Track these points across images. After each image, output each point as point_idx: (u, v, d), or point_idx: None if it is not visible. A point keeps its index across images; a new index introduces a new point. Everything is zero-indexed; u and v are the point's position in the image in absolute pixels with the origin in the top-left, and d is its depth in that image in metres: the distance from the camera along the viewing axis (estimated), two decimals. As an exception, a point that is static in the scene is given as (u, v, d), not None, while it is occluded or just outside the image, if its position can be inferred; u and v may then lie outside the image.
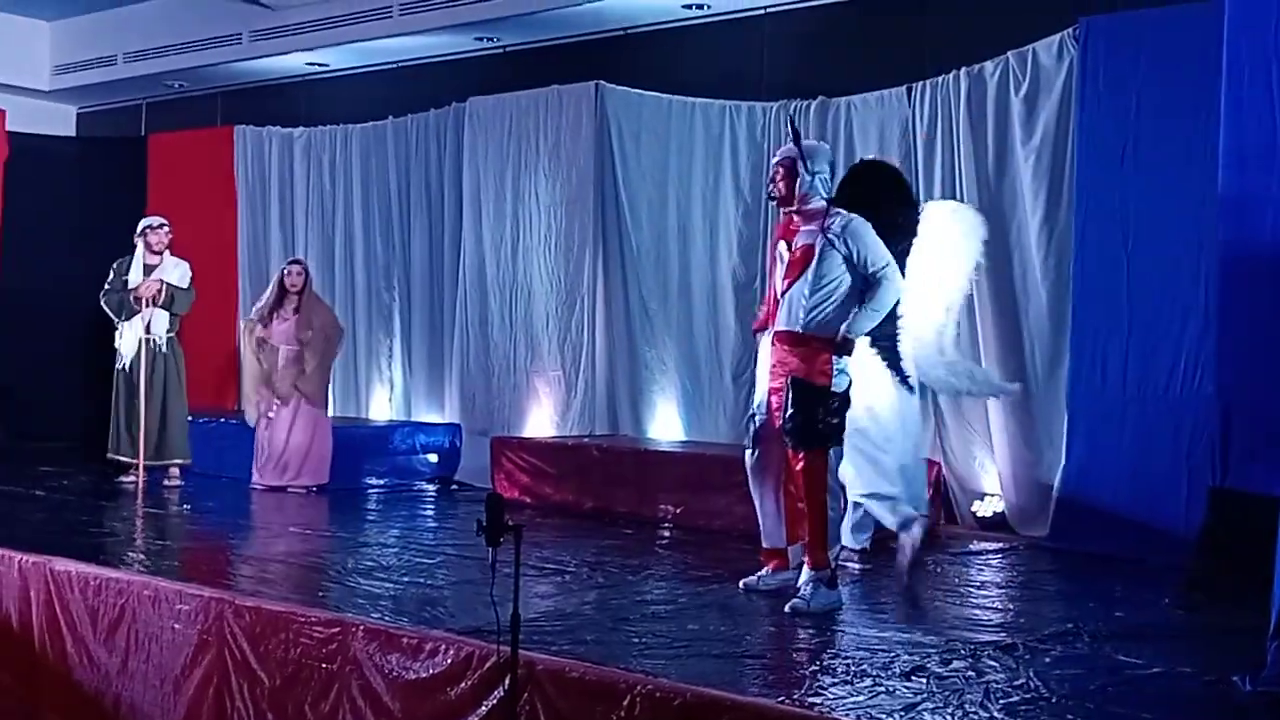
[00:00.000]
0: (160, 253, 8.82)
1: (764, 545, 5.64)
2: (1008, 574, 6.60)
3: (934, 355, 6.13)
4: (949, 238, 6.22)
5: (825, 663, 4.51)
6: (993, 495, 7.57)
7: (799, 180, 5.41)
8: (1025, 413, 7.39)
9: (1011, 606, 5.81)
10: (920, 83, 7.76)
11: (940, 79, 7.69)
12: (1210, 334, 6.23)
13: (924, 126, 7.76)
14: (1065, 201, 7.27)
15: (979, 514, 7.60)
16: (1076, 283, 7.10)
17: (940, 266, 6.13)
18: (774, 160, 5.61)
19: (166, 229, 8.87)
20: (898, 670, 4.32)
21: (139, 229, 8.89)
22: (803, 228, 5.43)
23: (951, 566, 6.59)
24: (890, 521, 5.82)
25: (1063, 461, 7.12)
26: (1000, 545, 7.14)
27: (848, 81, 8.11)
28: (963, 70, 7.60)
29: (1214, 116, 6.17)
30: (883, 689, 4.11)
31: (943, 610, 5.47)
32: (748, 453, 5.59)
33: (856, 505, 6.23)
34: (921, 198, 7.74)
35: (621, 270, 9.13)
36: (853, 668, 4.38)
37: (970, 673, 4.33)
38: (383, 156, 10.43)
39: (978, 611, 5.50)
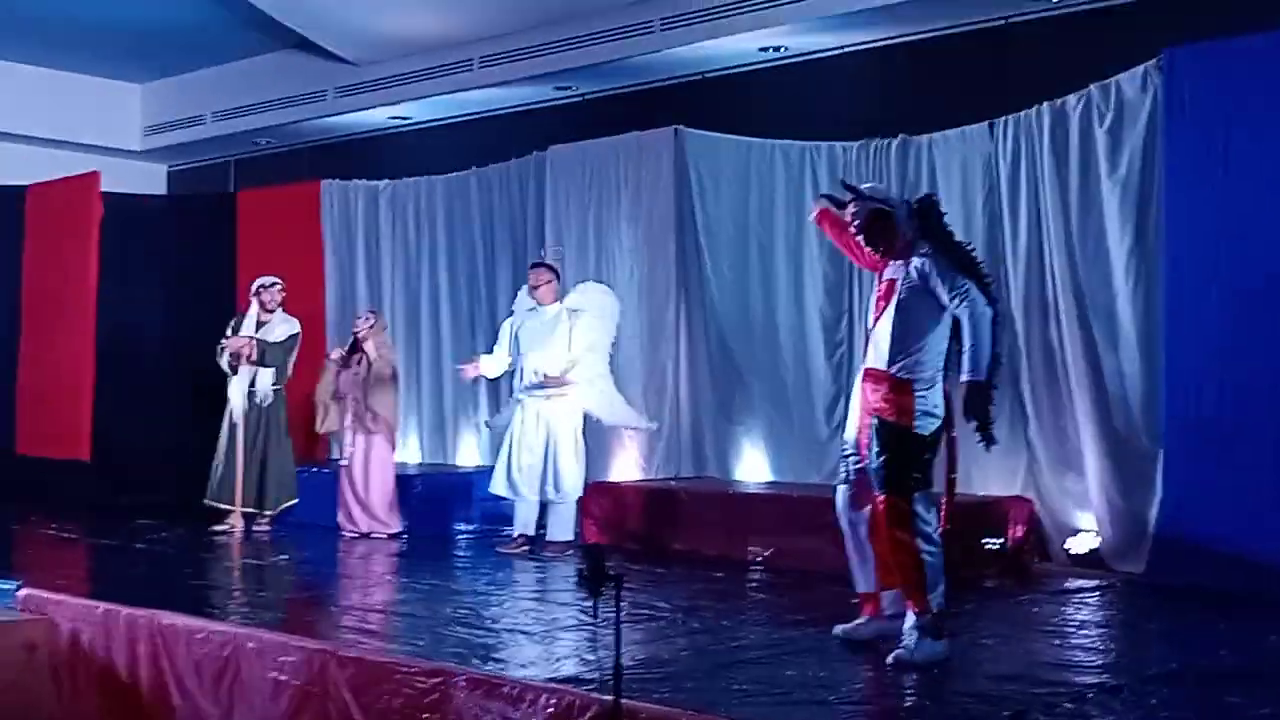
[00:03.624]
0: (273, 310, 9.17)
1: (857, 590, 5.50)
2: (1106, 612, 6.50)
3: (614, 400, 8.39)
4: (603, 310, 8.40)
5: (928, 709, 4.47)
6: (1088, 531, 7.47)
7: (896, 222, 5.29)
8: (1120, 446, 7.32)
9: (1113, 647, 5.70)
10: (1002, 118, 7.74)
11: (1022, 114, 7.66)
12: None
13: (1007, 162, 7.73)
14: (1152, 233, 7.21)
15: (1073, 550, 7.51)
16: (1168, 313, 7.03)
17: (600, 333, 8.33)
18: (854, 227, 5.39)
19: (279, 287, 9.27)
20: (1003, 716, 4.26)
21: (253, 288, 9.27)
22: (891, 262, 5.35)
23: (1048, 605, 6.52)
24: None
25: (1159, 495, 7.02)
26: (1097, 582, 7.04)
27: (929, 119, 8.10)
28: (1045, 104, 7.57)
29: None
30: (988, 735, 4.06)
31: (1043, 652, 5.41)
32: (841, 488, 5.45)
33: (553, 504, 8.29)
34: (1007, 233, 7.75)
35: (704, 313, 9.18)
36: (957, 714, 4.34)
37: (1076, 718, 4.27)
38: (466, 206, 10.59)
39: (1078, 653, 5.43)
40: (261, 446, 9.11)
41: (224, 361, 9.14)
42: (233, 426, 9.12)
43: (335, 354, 9.22)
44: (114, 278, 10.87)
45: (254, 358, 9.05)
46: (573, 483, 8.26)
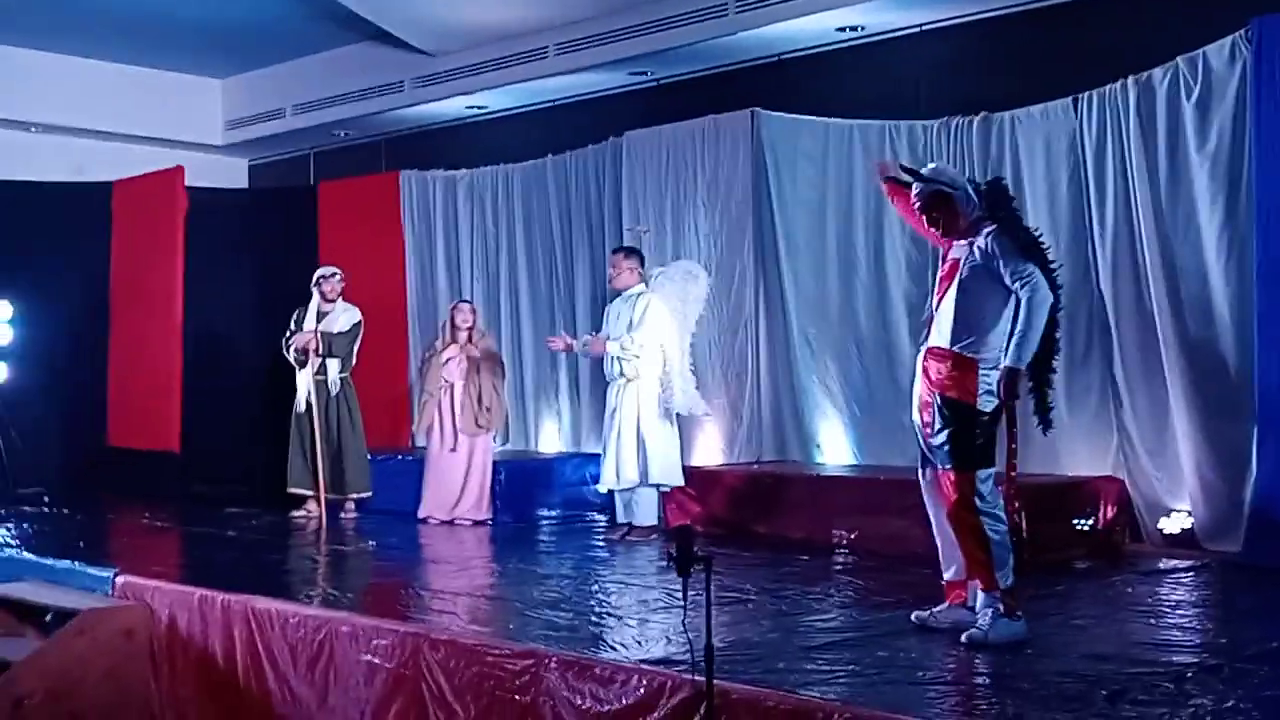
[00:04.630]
0: (334, 300, 9.31)
1: (944, 576, 5.44)
2: (1202, 592, 6.41)
3: (690, 388, 8.26)
4: (672, 294, 8.25)
5: (1024, 689, 4.42)
6: (1181, 511, 7.35)
7: (957, 203, 5.26)
8: (1213, 424, 7.18)
9: (1210, 626, 5.63)
10: (1086, 93, 7.61)
11: (1107, 89, 7.53)
12: None
13: (1092, 138, 7.62)
14: (1244, 207, 7.06)
15: (1166, 531, 7.40)
16: (1261, 287, 6.88)
17: (683, 315, 8.27)
18: (916, 207, 5.38)
19: (339, 277, 9.43)
20: (1101, 696, 4.21)
21: (314, 278, 9.39)
22: (956, 242, 5.31)
23: (1141, 586, 6.43)
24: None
25: (1253, 473, 6.89)
26: (1191, 563, 6.93)
27: (1010, 95, 7.98)
28: (1130, 79, 7.43)
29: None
30: (1088, 716, 4.01)
31: (1138, 632, 5.33)
32: (920, 473, 5.46)
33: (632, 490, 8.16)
34: (1093, 209, 7.63)
35: (781, 297, 9.14)
36: (1052, 694, 4.29)
37: (1177, 697, 4.20)
38: (544, 194, 10.62)
39: (1175, 633, 5.35)
40: (336, 433, 9.28)
41: (291, 355, 9.31)
42: (301, 416, 9.31)
43: (447, 351, 9.23)
44: (198, 270, 11.05)
45: (320, 350, 9.21)
46: (629, 472, 8.14)
